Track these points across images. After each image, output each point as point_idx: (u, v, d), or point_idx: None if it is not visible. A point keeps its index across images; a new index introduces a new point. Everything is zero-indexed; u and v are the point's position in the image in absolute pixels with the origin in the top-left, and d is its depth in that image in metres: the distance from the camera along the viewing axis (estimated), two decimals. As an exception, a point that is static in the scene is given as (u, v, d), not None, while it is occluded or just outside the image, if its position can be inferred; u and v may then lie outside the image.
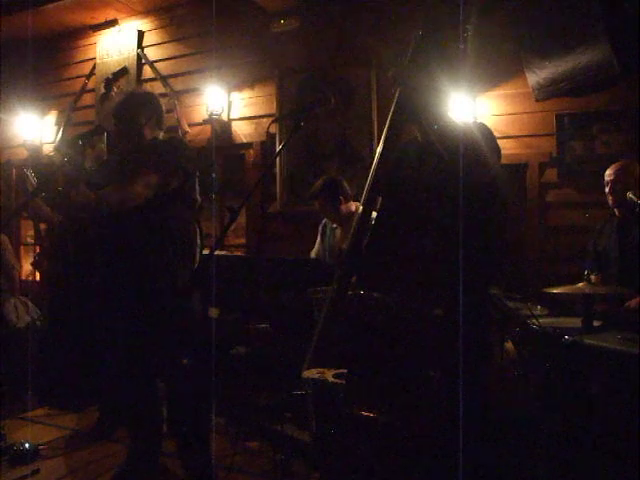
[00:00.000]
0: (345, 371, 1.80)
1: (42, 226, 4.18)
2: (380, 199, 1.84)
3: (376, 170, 1.82)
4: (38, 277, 4.70)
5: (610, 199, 3.04)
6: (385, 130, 1.85)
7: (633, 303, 2.72)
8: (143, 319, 2.37)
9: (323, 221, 3.69)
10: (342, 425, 1.83)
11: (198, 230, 2.62)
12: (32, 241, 5.47)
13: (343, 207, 3.43)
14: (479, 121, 2.58)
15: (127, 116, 2.57)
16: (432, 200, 1.83)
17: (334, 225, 3.57)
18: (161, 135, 2.65)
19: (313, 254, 3.68)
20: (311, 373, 1.89)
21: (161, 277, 2.39)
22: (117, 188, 2.36)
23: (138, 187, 2.33)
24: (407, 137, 2.02)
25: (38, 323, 3.93)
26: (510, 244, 3.62)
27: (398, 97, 1.82)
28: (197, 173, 2.59)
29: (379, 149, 1.85)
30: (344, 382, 1.77)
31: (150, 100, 2.67)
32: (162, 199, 2.39)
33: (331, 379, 1.86)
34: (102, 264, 2.50)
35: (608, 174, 3.05)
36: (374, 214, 1.80)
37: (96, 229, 2.54)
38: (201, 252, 2.63)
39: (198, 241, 2.61)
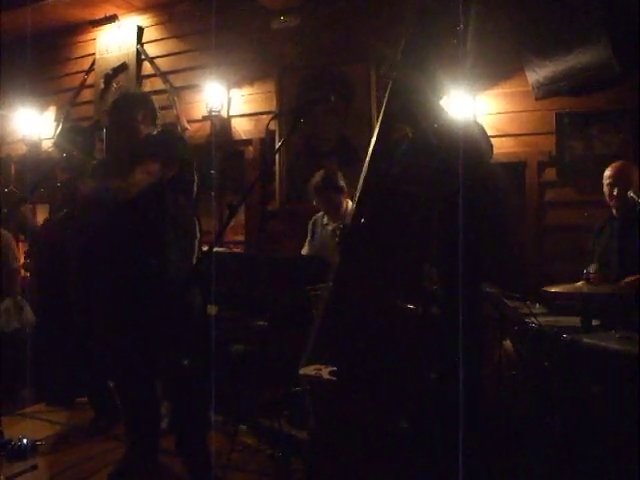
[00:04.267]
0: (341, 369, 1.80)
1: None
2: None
3: (370, 166, 1.81)
4: (28, 274, 4.66)
5: (611, 200, 3.03)
6: (377, 126, 1.84)
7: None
8: (142, 313, 2.37)
9: (313, 219, 3.70)
10: (337, 422, 1.84)
11: (197, 223, 2.63)
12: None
13: (342, 197, 3.51)
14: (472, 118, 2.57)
15: (122, 115, 2.61)
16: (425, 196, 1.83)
17: (325, 222, 3.58)
18: (155, 132, 2.67)
19: (304, 252, 3.68)
20: (308, 370, 1.89)
21: (161, 268, 2.39)
22: (119, 178, 2.39)
23: (138, 175, 2.35)
24: (398, 133, 2.01)
25: (28, 330, 3.86)
26: (511, 243, 3.63)
27: (389, 92, 1.82)
28: (194, 162, 2.61)
29: (372, 145, 1.85)
30: (337, 380, 1.77)
31: (144, 100, 2.74)
32: (162, 188, 2.41)
33: (327, 376, 1.86)
34: (101, 258, 2.49)
35: (607, 175, 3.04)
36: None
37: (97, 220, 2.54)
38: (200, 246, 2.64)
39: (198, 234, 2.62)
